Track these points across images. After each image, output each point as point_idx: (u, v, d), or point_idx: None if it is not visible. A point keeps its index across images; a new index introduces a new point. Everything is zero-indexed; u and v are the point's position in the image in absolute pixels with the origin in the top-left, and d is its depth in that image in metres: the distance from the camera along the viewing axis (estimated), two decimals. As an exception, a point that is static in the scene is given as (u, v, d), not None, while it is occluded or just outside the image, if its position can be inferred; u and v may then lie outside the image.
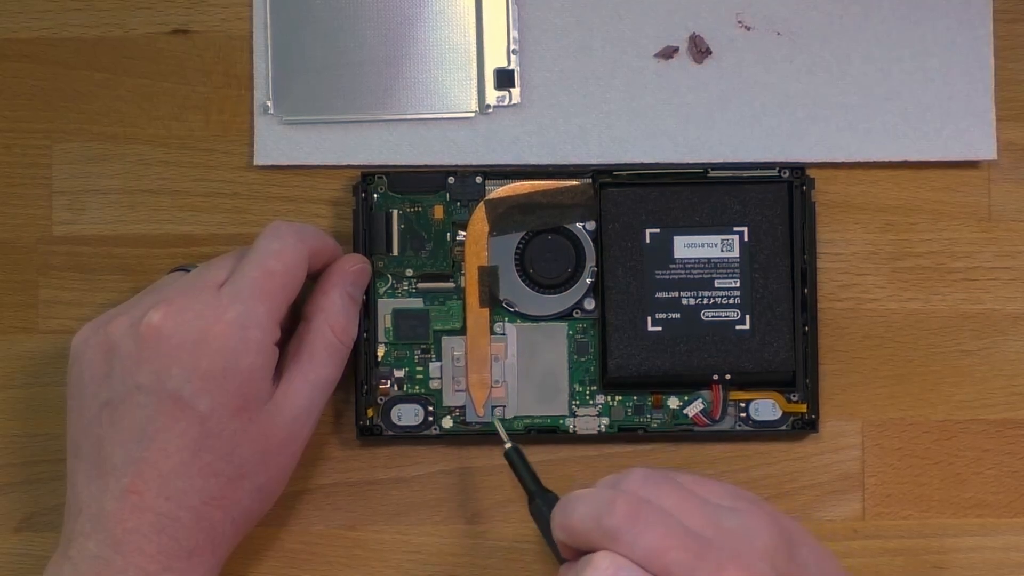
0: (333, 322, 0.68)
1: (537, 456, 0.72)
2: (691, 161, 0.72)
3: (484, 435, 0.72)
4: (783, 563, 0.55)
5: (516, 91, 0.73)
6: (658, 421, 0.72)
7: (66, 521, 0.66)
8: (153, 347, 0.64)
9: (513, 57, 0.73)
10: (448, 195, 0.72)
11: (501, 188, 0.71)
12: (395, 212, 0.72)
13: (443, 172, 0.72)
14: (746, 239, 0.71)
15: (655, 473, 0.57)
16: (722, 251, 0.71)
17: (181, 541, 0.64)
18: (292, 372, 0.67)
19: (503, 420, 0.71)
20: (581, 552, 0.56)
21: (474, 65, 0.73)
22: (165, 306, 0.65)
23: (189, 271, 0.69)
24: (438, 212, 0.72)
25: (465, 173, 0.72)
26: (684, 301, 0.71)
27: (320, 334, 0.68)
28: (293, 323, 0.69)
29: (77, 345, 0.67)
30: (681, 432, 0.72)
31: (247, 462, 0.65)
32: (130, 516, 0.64)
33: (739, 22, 0.73)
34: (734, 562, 0.54)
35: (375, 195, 0.72)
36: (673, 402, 0.72)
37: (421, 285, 0.72)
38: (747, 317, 0.71)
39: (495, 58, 0.73)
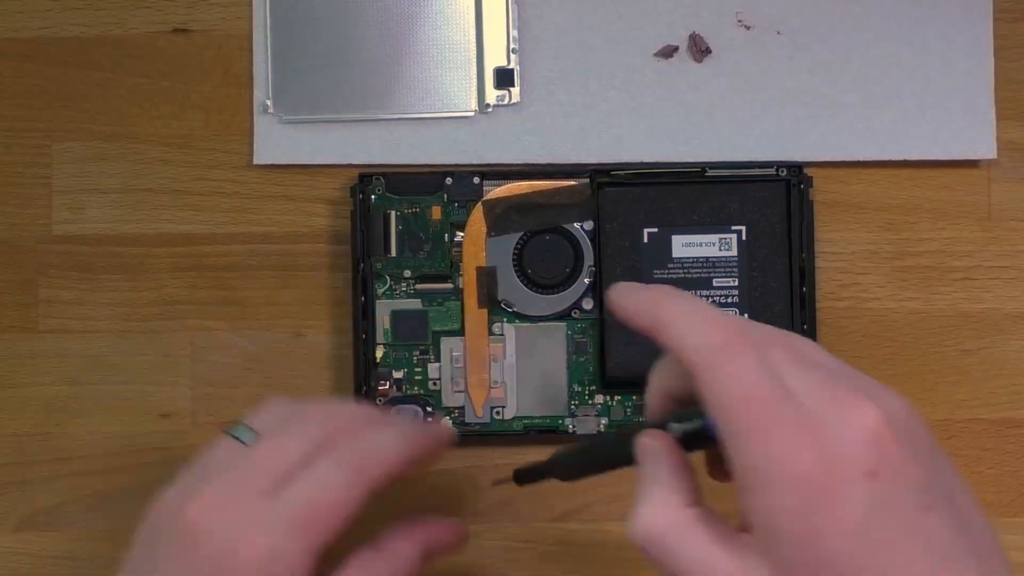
0: (397, 570, 0.63)
1: (537, 456, 0.72)
2: (692, 160, 0.72)
3: (484, 436, 0.72)
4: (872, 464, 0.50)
5: (516, 90, 0.73)
6: (657, 421, 0.72)
7: None
8: (187, 546, 0.59)
9: (513, 56, 0.73)
10: (446, 196, 0.72)
11: (499, 188, 0.71)
12: (393, 213, 0.72)
13: (440, 173, 0.72)
14: (744, 238, 0.71)
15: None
16: (720, 250, 0.71)
17: None
18: None
19: (504, 420, 0.71)
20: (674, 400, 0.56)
21: (474, 64, 0.73)
22: (207, 498, 0.59)
23: (245, 437, 0.63)
24: (436, 213, 0.72)
25: (462, 173, 0.72)
26: (683, 301, 0.71)
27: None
28: None
29: (154, 508, 0.62)
30: (680, 432, 0.72)
31: None
32: None
33: (739, 21, 0.73)
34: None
35: (373, 196, 0.72)
36: (672, 402, 0.72)
37: (419, 286, 0.72)
38: (745, 316, 0.71)
39: (495, 57, 0.73)
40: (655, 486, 0.53)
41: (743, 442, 0.50)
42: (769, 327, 0.54)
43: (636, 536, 0.53)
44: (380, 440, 0.62)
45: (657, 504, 0.53)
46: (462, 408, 0.72)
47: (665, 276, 0.71)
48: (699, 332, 0.52)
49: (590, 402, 0.72)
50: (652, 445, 0.55)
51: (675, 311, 0.53)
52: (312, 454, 0.61)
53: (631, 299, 0.55)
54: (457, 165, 0.73)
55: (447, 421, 0.71)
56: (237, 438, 0.62)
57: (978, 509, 0.51)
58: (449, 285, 0.72)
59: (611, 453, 0.59)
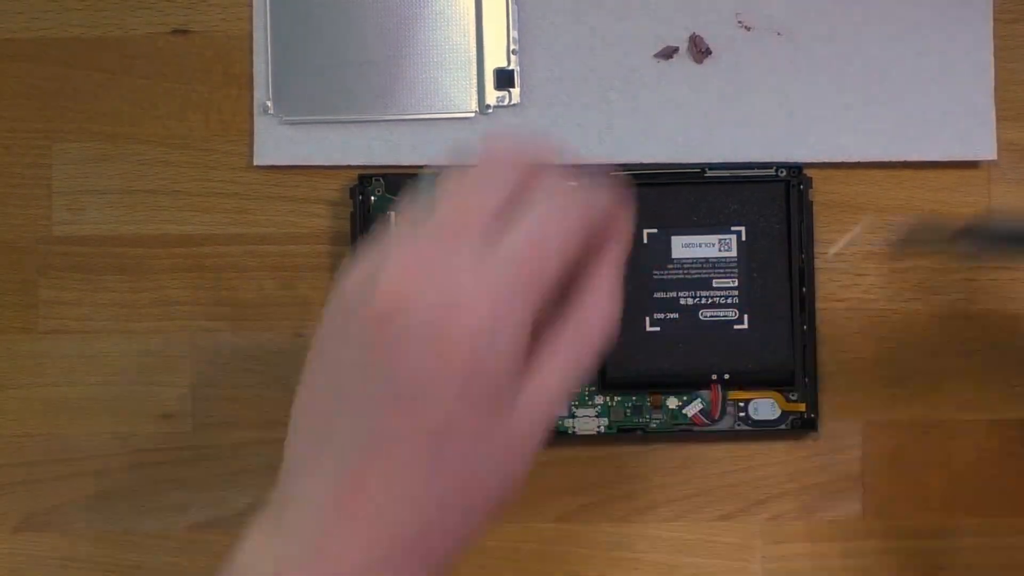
0: (603, 312, 0.53)
1: (536, 457, 0.72)
2: (691, 161, 0.72)
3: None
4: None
5: (516, 91, 0.73)
6: (657, 421, 0.72)
7: (282, 478, 0.52)
8: (386, 334, 0.49)
9: (513, 57, 0.73)
10: (445, 196, 0.72)
11: (498, 189, 0.71)
12: (392, 214, 0.72)
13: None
14: (744, 239, 0.71)
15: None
16: (720, 251, 0.71)
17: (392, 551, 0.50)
18: (546, 359, 0.52)
19: None
20: None
21: (474, 65, 0.73)
22: (409, 265, 0.50)
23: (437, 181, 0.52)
24: (435, 213, 0.72)
25: (463, 174, 0.72)
26: (682, 301, 0.71)
27: (588, 325, 0.53)
28: None
29: (334, 303, 0.52)
30: (680, 432, 0.72)
31: (484, 472, 0.51)
32: (337, 523, 0.50)
33: (739, 22, 0.73)
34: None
35: (372, 197, 0.72)
36: (672, 402, 0.72)
37: (419, 286, 0.72)
38: (745, 316, 0.71)
39: (495, 58, 0.73)
40: None
41: None
42: None
43: None
44: (602, 191, 0.54)
45: None
46: (462, 409, 0.72)
47: (665, 277, 0.71)
48: None
49: (590, 402, 0.72)
50: None
51: None
52: (516, 192, 0.52)
53: None
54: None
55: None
56: (426, 192, 0.52)
57: None
58: (449, 286, 0.72)
59: None
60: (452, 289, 0.49)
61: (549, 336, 0.52)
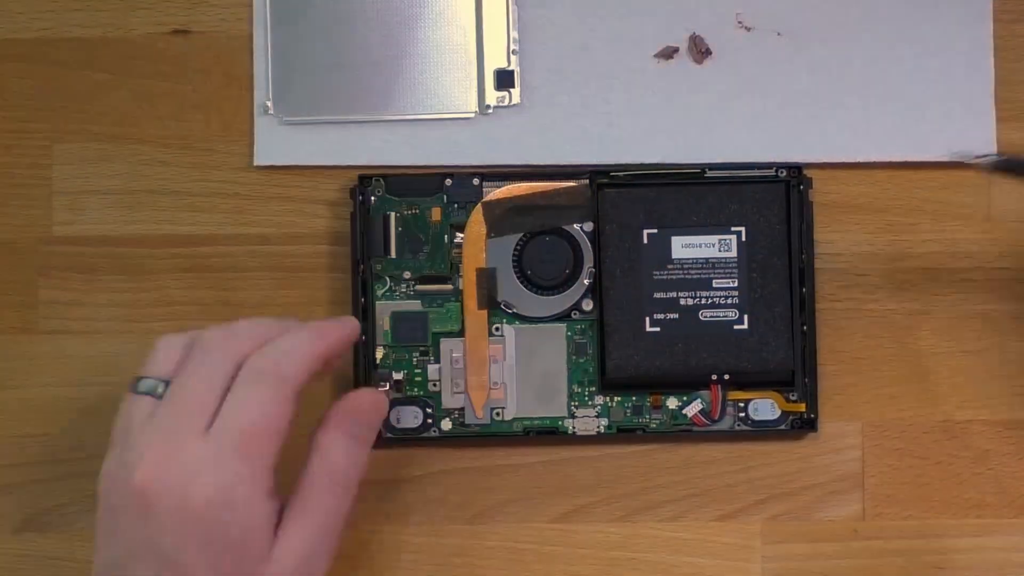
0: (332, 465, 0.64)
1: (536, 457, 0.72)
2: (691, 161, 0.72)
3: (483, 437, 0.72)
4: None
5: (516, 91, 0.73)
6: (657, 421, 0.72)
7: None
8: (143, 511, 0.60)
9: (513, 57, 0.73)
10: (445, 197, 0.72)
11: (498, 190, 0.71)
12: (392, 215, 0.72)
13: (440, 174, 0.72)
14: (744, 239, 0.71)
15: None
16: (720, 251, 0.71)
17: None
18: (289, 522, 0.62)
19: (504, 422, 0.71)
20: None
21: (474, 65, 0.73)
22: (146, 462, 0.60)
23: (157, 390, 0.63)
24: (435, 214, 0.72)
25: (462, 175, 0.72)
26: (682, 301, 0.71)
27: (317, 478, 0.63)
28: None
29: (100, 488, 0.63)
30: (680, 432, 0.72)
31: None
32: None
33: (739, 22, 0.73)
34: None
35: (372, 197, 0.72)
36: (672, 402, 0.72)
37: (419, 287, 0.72)
38: (745, 317, 0.71)
39: (495, 58, 0.73)
40: None
41: None
42: None
43: None
44: (290, 344, 0.63)
45: None
46: (462, 409, 0.72)
47: (665, 277, 0.71)
48: None
49: (590, 403, 0.72)
50: None
51: None
52: (229, 377, 0.62)
53: None
54: (457, 166, 0.73)
55: (352, 322, 0.68)
56: (148, 393, 0.63)
57: None
58: (449, 286, 0.72)
59: None
60: (188, 471, 0.60)
61: (291, 494, 0.63)
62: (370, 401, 0.66)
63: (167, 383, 0.63)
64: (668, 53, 0.73)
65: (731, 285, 0.71)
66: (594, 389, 0.72)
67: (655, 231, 0.71)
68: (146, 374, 0.63)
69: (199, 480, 0.60)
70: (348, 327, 0.66)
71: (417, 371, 0.72)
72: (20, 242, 0.74)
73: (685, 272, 0.71)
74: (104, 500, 0.62)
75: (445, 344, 0.72)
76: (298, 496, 0.63)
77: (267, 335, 0.64)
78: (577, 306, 0.72)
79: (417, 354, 0.72)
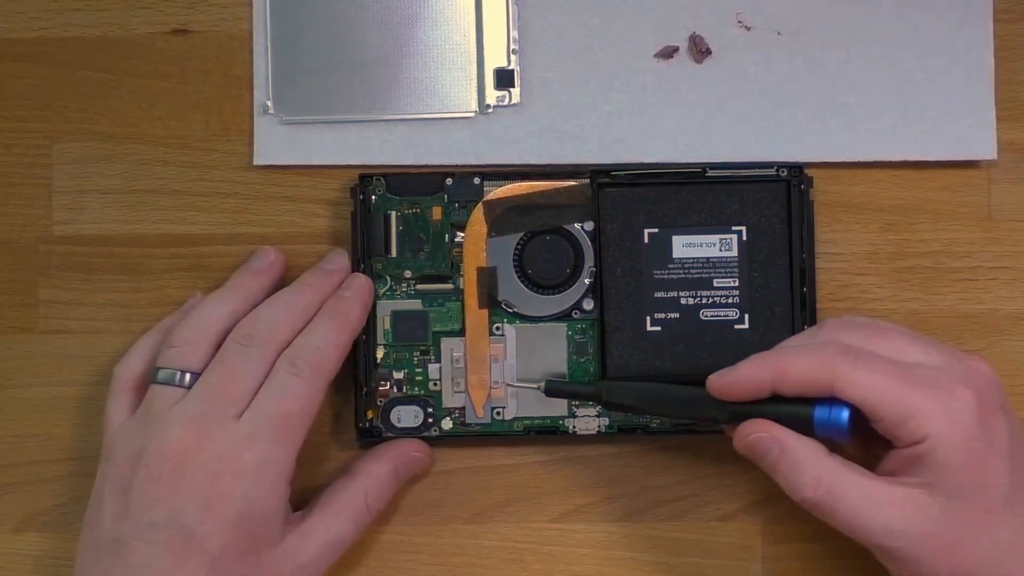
0: (371, 490, 0.70)
1: (537, 457, 0.72)
2: (692, 161, 0.72)
3: (484, 436, 0.72)
4: (1001, 399, 0.63)
5: (516, 91, 0.73)
6: (657, 421, 0.72)
7: None
8: (169, 486, 0.64)
9: (513, 57, 0.73)
10: (446, 196, 0.72)
11: (499, 189, 0.71)
12: (393, 214, 0.72)
13: (441, 174, 0.72)
14: (744, 238, 0.71)
15: (853, 320, 0.65)
16: (720, 251, 0.71)
17: None
18: (314, 521, 0.68)
19: (505, 421, 0.71)
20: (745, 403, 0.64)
21: (474, 65, 0.73)
22: (184, 434, 0.65)
23: (185, 381, 0.68)
24: (436, 214, 0.72)
25: (463, 174, 0.72)
26: (683, 301, 0.71)
27: (353, 495, 0.69)
28: None
29: (109, 465, 0.67)
30: (680, 432, 0.72)
31: None
32: None
33: (739, 22, 0.73)
34: (964, 384, 0.61)
35: (373, 197, 0.72)
36: (672, 402, 0.72)
37: (420, 287, 0.72)
38: (746, 316, 0.71)
39: (495, 58, 0.73)
40: (795, 457, 0.63)
41: (905, 402, 0.61)
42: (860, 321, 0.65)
43: (808, 499, 0.63)
44: (323, 338, 0.68)
45: (808, 466, 0.63)
46: (463, 409, 0.72)
47: (665, 276, 0.71)
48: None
49: (590, 403, 0.72)
50: (770, 435, 0.64)
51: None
52: (263, 373, 0.67)
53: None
54: (457, 166, 0.73)
55: (366, 288, 0.71)
56: (177, 385, 0.67)
57: None
58: (449, 286, 0.72)
59: (688, 411, 0.67)
60: (225, 447, 0.65)
61: (323, 498, 0.69)
62: (420, 450, 0.71)
63: (193, 374, 0.67)
64: (668, 53, 0.73)
65: (732, 285, 0.71)
66: (595, 389, 0.72)
67: (656, 230, 0.71)
68: (167, 365, 0.68)
69: (236, 454, 0.65)
70: (365, 294, 0.70)
71: (418, 370, 0.72)
72: (20, 242, 0.74)
73: (686, 271, 0.71)
74: (119, 484, 0.66)
75: (446, 343, 0.72)
76: (332, 502, 0.69)
77: (293, 323, 0.68)
78: (578, 305, 0.72)
79: (418, 353, 0.72)
